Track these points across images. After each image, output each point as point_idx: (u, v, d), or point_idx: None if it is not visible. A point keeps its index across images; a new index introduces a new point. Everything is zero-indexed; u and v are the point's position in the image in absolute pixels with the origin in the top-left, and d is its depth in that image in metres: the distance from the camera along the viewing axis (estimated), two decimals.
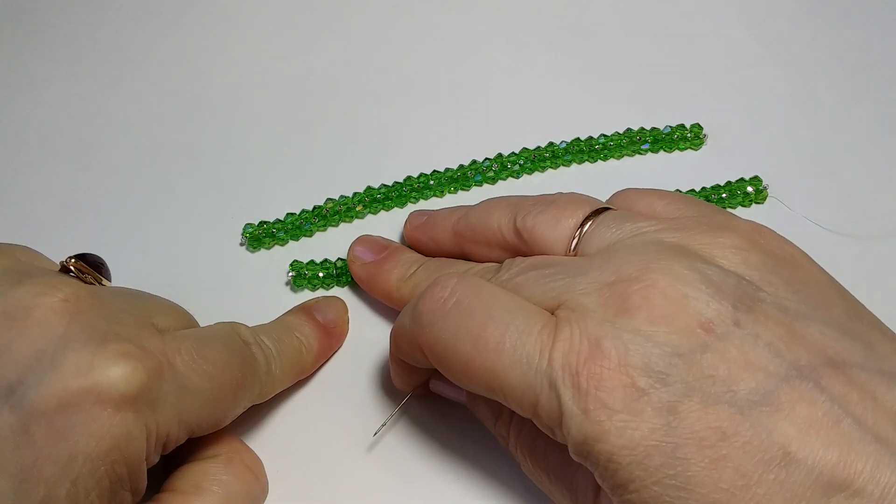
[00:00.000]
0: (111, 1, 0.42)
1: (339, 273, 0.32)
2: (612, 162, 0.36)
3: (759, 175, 0.34)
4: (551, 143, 0.36)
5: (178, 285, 0.32)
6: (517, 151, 0.36)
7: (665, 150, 0.36)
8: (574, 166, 0.36)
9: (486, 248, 0.29)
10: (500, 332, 0.22)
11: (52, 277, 0.22)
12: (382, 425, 0.28)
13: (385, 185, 0.35)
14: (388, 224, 0.34)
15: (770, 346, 0.21)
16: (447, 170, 0.35)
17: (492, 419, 0.26)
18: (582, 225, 0.26)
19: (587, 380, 0.21)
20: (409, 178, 0.35)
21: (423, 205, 0.35)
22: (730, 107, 0.37)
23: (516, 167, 0.35)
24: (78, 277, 0.25)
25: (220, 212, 0.35)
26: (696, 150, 0.36)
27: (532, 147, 0.36)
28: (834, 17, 0.40)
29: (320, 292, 0.32)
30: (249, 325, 0.27)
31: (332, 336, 0.30)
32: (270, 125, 0.38)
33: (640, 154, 0.36)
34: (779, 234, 0.25)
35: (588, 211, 0.26)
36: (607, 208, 0.26)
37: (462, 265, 0.29)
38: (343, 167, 0.36)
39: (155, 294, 0.26)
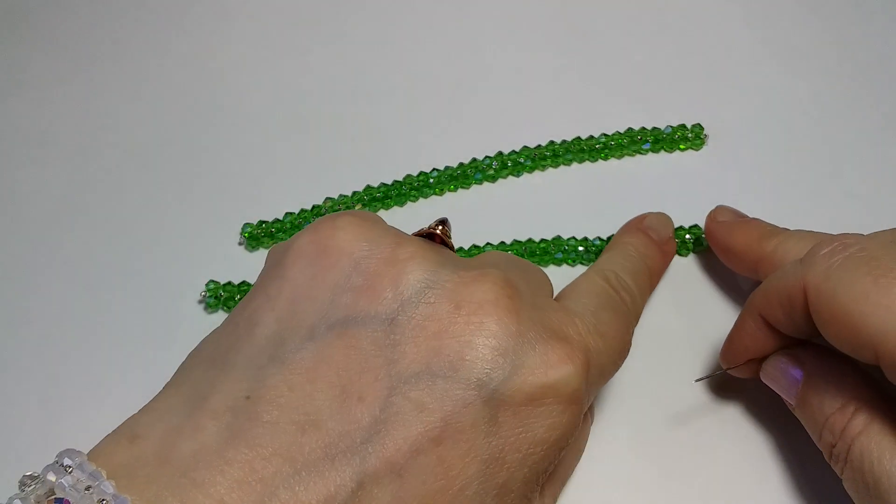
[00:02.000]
0: (111, 1, 0.42)
1: None
2: (612, 161, 0.36)
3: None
4: (552, 142, 0.36)
5: (177, 285, 0.32)
6: (517, 150, 0.35)
7: (666, 150, 0.36)
8: (574, 165, 0.36)
9: None
10: None
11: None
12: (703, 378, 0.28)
13: (384, 184, 0.35)
14: (389, 223, 0.34)
15: None
16: (447, 168, 0.35)
17: (819, 422, 0.24)
18: None
19: None
20: (408, 176, 0.35)
21: (422, 203, 0.35)
22: (730, 107, 0.37)
23: (517, 166, 0.35)
24: (445, 244, 0.26)
25: (219, 211, 0.35)
26: (696, 150, 0.36)
27: (532, 146, 0.36)
28: (835, 17, 0.40)
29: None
30: None
31: (666, 255, 0.30)
32: (269, 124, 0.37)
33: (641, 154, 0.36)
34: None
35: None
36: None
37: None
38: (342, 166, 0.36)
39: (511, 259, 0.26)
